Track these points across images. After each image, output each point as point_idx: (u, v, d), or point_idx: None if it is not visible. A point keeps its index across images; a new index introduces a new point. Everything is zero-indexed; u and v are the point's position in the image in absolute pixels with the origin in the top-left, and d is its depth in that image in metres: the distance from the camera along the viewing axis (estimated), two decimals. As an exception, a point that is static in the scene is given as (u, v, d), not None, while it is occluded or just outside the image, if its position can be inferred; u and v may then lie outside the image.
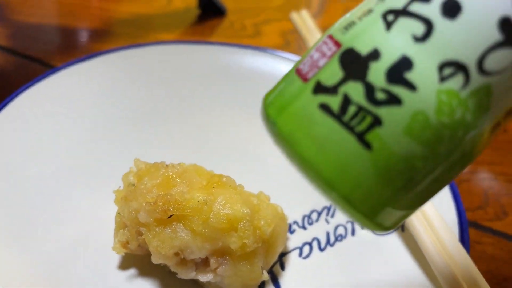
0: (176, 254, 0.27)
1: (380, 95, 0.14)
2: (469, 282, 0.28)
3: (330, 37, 0.16)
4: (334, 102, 0.15)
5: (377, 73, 0.14)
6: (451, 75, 0.14)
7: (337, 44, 0.15)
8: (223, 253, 0.27)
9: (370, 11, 0.15)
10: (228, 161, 0.36)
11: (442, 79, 0.14)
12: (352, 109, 0.14)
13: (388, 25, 0.14)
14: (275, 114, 0.17)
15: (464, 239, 0.31)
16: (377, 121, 0.14)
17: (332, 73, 0.15)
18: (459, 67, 0.14)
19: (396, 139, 0.14)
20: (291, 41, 0.62)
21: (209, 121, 0.41)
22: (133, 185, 0.29)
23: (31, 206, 0.32)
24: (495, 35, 0.13)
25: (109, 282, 0.29)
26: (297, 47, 0.61)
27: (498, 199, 0.43)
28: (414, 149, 0.14)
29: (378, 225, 0.16)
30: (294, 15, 0.53)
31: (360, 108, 0.14)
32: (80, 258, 0.30)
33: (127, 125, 0.39)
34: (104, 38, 0.59)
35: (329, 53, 0.16)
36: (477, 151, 0.15)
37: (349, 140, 0.15)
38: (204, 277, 0.27)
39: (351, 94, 0.15)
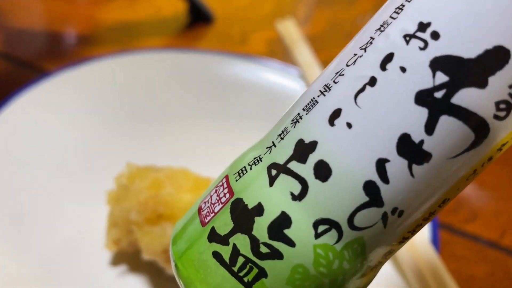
0: (165, 251, 0.29)
1: (263, 249, 0.15)
2: (436, 277, 0.30)
3: (227, 180, 0.17)
4: (226, 252, 0.16)
5: (260, 228, 0.15)
6: (325, 231, 0.15)
7: (231, 191, 0.16)
8: (209, 250, 0.29)
9: (259, 159, 0.16)
10: (214, 165, 0.37)
11: (317, 235, 0.15)
12: (240, 260, 0.15)
13: (271, 180, 0.15)
14: (177, 256, 0.17)
15: (434, 238, 0.33)
16: (262, 273, 0.15)
17: (225, 223, 0.16)
18: (332, 224, 0.15)
19: None
20: (276, 50, 0.64)
21: (197, 126, 0.43)
22: (125, 186, 0.31)
23: (25, 207, 0.34)
24: (361, 197, 0.14)
25: (101, 278, 0.31)
26: (281, 56, 0.63)
27: (469, 203, 0.45)
28: None
29: None
30: (279, 24, 0.55)
31: (248, 260, 0.15)
32: (73, 255, 0.32)
33: (118, 130, 0.41)
34: (93, 44, 0.60)
35: (223, 199, 0.16)
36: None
37: None
38: (190, 273, 0.29)
39: (239, 246, 0.15)
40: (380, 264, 0.16)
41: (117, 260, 0.32)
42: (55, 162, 0.37)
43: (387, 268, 0.32)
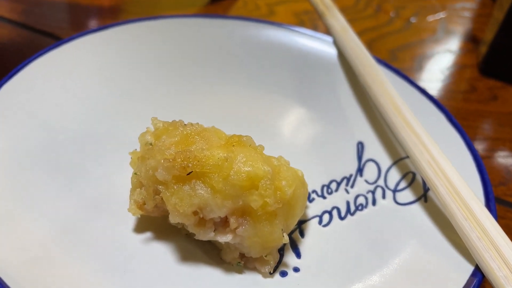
0: (195, 213, 0.26)
1: None
2: (497, 246, 0.27)
3: None
4: None
5: None
6: None
7: None
8: (243, 212, 0.26)
9: None
10: (246, 129, 0.35)
11: None
12: None
13: None
14: None
15: (490, 208, 0.30)
16: None
17: None
18: None
19: None
20: (305, 20, 0.61)
21: (227, 91, 0.40)
22: (150, 144, 0.28)
23: (47, 171, 0.31)
24: None
25: (125, 246, 0.29)
26: (311, 27, 0.59)
27: (521, 176, 0.41)
28: None
29: None
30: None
31: None
32: (96, 222, 0.29)
33: (142, 94, 0.38)
34: (115, 16, 0.58)
35: None
36: None
37: None
38: (223, 238, 0.26)
39: None
40: None
41: (141, 225, 0.29)
42: (78, 120, 0.35)
43: (437, 238, 0.29)
